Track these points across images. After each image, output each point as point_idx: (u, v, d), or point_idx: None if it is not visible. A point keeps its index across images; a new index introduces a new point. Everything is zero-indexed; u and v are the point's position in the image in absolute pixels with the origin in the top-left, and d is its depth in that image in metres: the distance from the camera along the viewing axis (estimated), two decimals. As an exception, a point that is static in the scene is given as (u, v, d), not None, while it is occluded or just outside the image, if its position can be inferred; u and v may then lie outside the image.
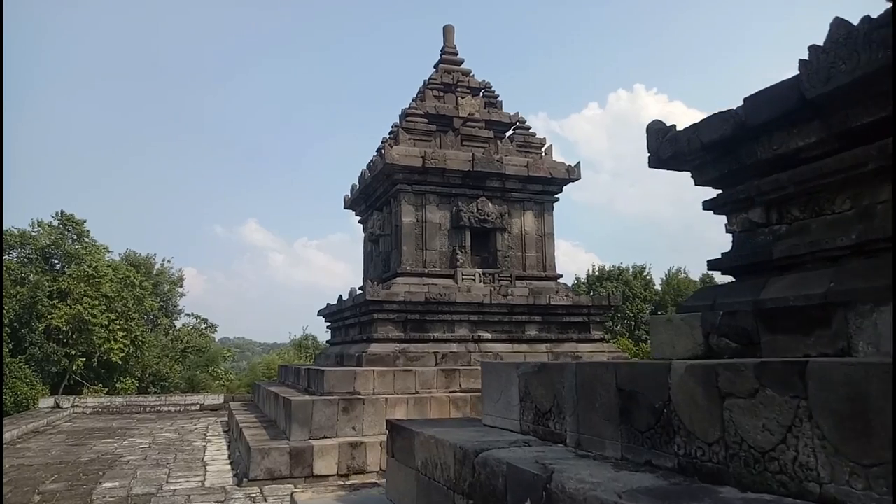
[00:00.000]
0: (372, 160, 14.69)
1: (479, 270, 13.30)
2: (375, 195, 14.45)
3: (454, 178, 13.37)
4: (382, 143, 14.80)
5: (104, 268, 30.04)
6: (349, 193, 16.11)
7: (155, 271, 41.57)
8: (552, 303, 12.84)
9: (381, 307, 11.84)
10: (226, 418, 17.80)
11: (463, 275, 13.10)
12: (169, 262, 42.13)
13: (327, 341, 16.46)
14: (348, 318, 13.72)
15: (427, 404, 10.32)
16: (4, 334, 23.82)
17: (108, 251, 33.06)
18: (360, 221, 16.27)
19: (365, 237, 15.93)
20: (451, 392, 10.93)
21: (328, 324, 16.04)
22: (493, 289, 12.72)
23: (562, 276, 14.10)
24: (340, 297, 13.87)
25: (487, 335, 12.59)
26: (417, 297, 11.98)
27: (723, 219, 4.03)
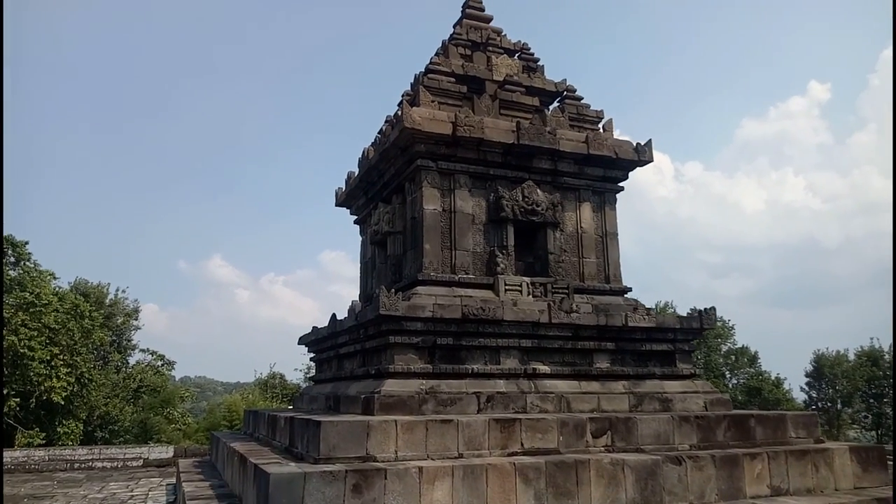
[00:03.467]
0: (380, 132, 11.13)
1: (527, 279, 9.72)
2: (383, 180, 10.84)
3: (493, 153, 9.88)
4: (386, 123, 11.30)
5: (48, 295, 25.90)
6: (342, 186, 12.49)
7: (108, 301, 37.10)
8: (629, 324, 9.29)
9: (401, 326, 8.12)
10: (174, 479, 13.64)
11: (506, 284, 9.49)
12: (124, 292, 37.77)
13: (310, 378, 12.58)
14: (345, 344, 9.93)
15: (482, 478, 6.55)
16: None
17: (55, 277, 28.74)
18: (356, 221, 12.61)
19: (364, 240, 12.25)
20: (510, 455, 7.20)
21: (313, 355, 12.18)
22: (550, 303, 9.11)
23: (631, 289, 10.60)
24: (334, 315, 10.11)
25: (545, 368, 8.93)
26: (451, 312, 8.31)
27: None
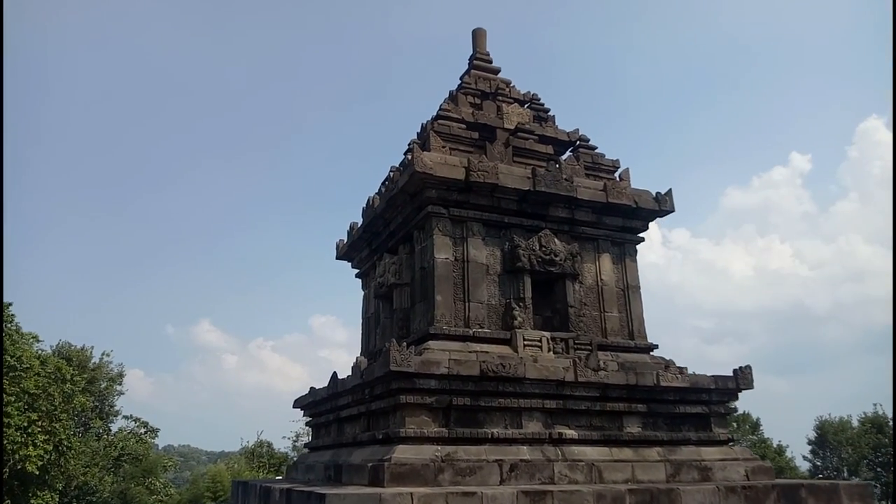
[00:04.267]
0: (386, 181, 10.61)
1: (546, 334, 8.96)
2: (389, 229, 10.22)
3: (507, 200, 9.32)
4: (391, 171, 10.81)
5: (30, 359, 24.71)
6: (344, 238, 11.86)
7: (91, 365, 35.69)
8: (661, 383, 8.49)
9: (413, 384, 7.30)
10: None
11: (525, 339, 8.73)
12: (108, 355, 36.43)
13: (306, 445, 11.54)
14: (347, 406, 9.03)
15: (513, 560, 5.62)
16: None
17: (38, 340, 27.52)
18: (358, 274, 11.90)
19: (366, 294, 11.51)
20: (542, 533, 6.26)
21: (310, 419, 11.23)
22: (575, 360, 8.32)
23: (657, 346, 9.83)
24: (335, 374, 9.25)
25: (571, 432, 8.05)
26: (468, 368, 7.52)
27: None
